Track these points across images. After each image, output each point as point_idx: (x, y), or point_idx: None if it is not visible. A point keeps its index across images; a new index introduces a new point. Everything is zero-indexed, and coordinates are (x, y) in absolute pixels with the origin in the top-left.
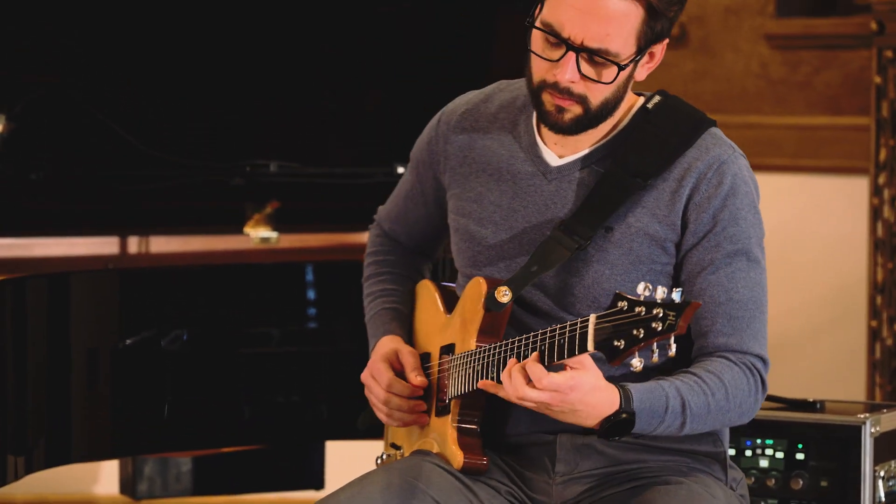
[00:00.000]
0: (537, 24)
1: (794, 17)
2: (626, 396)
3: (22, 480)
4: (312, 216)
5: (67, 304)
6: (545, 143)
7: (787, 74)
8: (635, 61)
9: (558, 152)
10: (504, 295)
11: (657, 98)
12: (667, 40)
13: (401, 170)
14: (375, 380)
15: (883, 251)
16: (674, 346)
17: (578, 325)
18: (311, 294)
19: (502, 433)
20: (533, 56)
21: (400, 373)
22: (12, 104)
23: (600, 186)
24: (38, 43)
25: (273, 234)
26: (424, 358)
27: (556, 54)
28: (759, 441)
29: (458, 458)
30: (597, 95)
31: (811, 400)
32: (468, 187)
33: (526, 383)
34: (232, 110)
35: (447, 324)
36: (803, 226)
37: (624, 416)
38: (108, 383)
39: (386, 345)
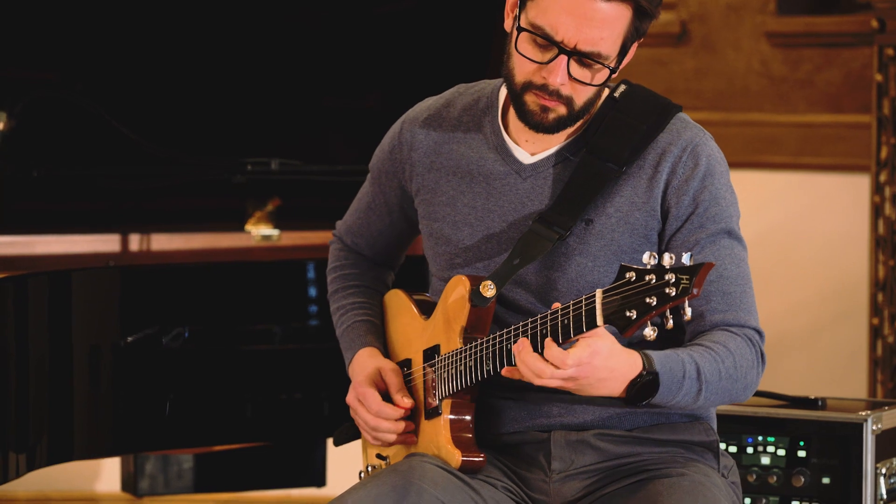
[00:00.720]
0: (524, 25)
1: (795, 14)
2: (647, 359)
3: (24, 477)
4: (313, 213)
5: (69, 302)
6: (515, 142)
7: (788, 72)
8: (620, 61)
9: (530, 150)
10: (489, 289)
11: (623, 87)
12: (642, 39)
13: None
14: (363, 405)
15: (884, 249)
16: (689, 311)
17: (584, 302)
18: (312, 291)
19: (496, 433)
20: (517, 56)
21: (384, 392)
22: (14, 102)
23: (575, 176)
24: (39, 41)
25: (274, 232)
26: (404, 364)
27: (546, 56)
28: (760, 438)
29: (455, 457)
30: (582, 96)
31: (813, 397)
32: (439, 192)
33: (546, 366)
34: (233, 108)
35: (427, 327)
36: (805, 223)
37: (649, 377)
38: (109, 381)
39: (367, 363)
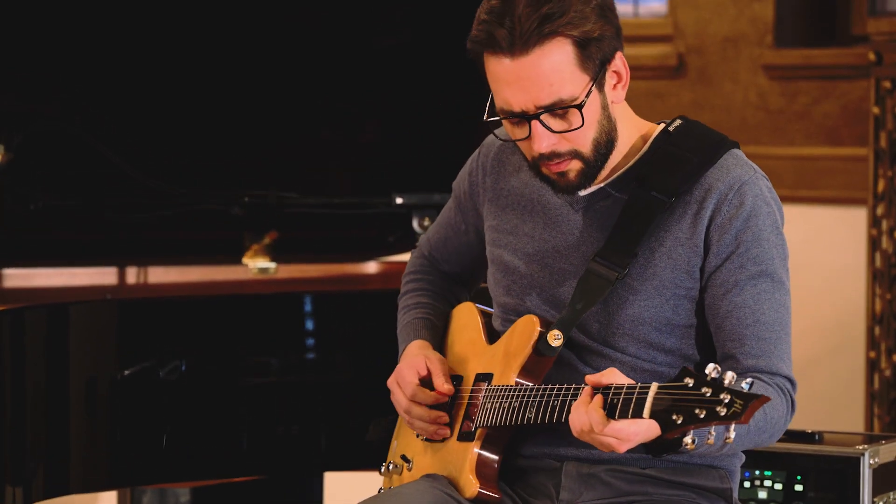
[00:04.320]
0: (497, 114)
1: (792, 47)
2: None
3: None
4: (311, 246)
5: (66, 335)
6: None
7: (785, 105)
8: (595, 90)
9: None
10: (556, 339)
11: (678, 122)
12: (620, 53)
13: (399, 200)
14: (400, 387)
15: (881, 282)
16: (732, 434)
17: (637, 389)
18: (309, 324)
19: (512, 452)
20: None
21: (426, 379)
22: (12, 135)
23: (627, 211)
24: (37, 73)
25: (271, 265)
26: (455, 380)
27: (524, 130)
28: (757, 472)
29: (472, 487)
30: (583, 142)
31: (809, 431)
32: (505, 219)
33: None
34: (230, 140)
35: (487, 352)
36: (802, 256)
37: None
38: (106, 414)
39: (414, 351)
